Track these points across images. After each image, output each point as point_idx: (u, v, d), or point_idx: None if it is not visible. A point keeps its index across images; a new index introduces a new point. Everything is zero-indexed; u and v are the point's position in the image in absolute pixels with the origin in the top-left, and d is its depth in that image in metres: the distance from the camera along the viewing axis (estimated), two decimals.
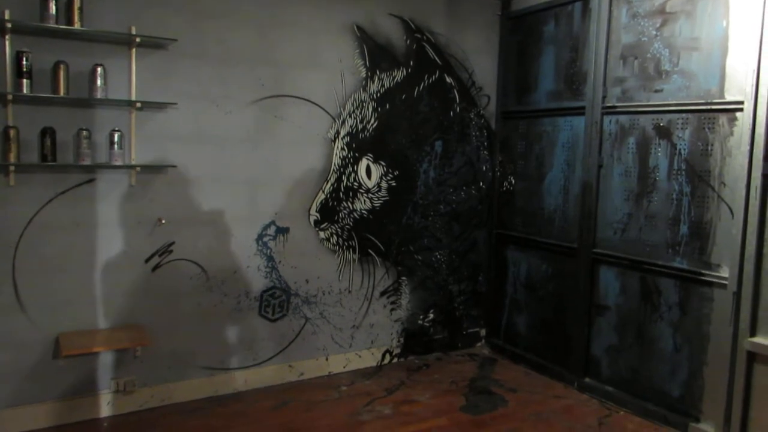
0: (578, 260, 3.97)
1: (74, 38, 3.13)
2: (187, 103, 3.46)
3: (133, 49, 3.27)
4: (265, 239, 3.82)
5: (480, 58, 4.57)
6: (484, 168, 4.68)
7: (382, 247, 4.27)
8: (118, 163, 3.25)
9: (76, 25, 3.04)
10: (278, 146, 3.79)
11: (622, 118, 3.70)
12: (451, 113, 4.47)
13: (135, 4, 3.27)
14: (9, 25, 2.90)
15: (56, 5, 2.99)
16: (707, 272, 3.26)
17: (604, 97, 3.78)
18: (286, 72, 3.77)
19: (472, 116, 4.57)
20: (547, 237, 4.26)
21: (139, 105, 3.28)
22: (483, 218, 4.72)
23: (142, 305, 3.46)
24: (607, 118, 3.78)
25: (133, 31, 3.20)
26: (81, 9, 3.05)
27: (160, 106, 3.38)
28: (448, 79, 4.42)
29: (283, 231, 3.87)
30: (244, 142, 3.68)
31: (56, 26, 3.00)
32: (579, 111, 3.96)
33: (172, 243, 3.52)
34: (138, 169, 3.33)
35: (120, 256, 3.37)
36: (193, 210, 3.57)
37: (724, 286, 3.16)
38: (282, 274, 3.90)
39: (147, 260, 3.45)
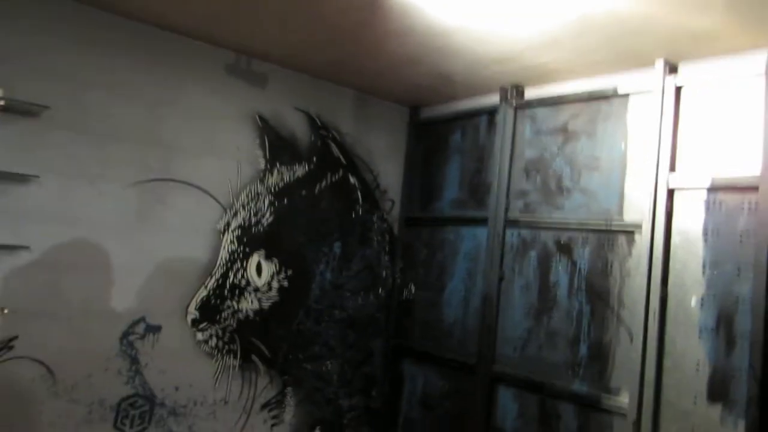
0: (476, 378, 3.73)
1: None
2: (54, 178, 3.06)
3: None
4: (131, 338, 3.33)
5: (386, 162, 4.47)
6: (384, 274, 4.46)
7: (267, 354, 3.86)
8: None
9: None
10: (158, 234, 3.41)
11: (524, 231, 3.63)
12: (353, 214, 4.28)
13: (4, 66, 2.93)
14: None
15: None
16: (607, 397, 3.09)
17: (506, 209, 3.72)
18: (175, 154, 3.47)
19: (374, 219, 4.40)
20: (446, 351, 4.01)
21: None
22: (380, 327, 4.43)
23: None
24: (509, 231, 3.71)
25: None
26: None
27: (18, 178, 2.95)
28: (352, 180, 4.27)
29: (154, 329, 3.41)
30: (119, 226, 3.28)
31: None
32: (482, 221, 3.87)
33: (15, 337, 2.97)
34: None
35: None
36: (47, 300, 3.06)
37: (623, 415, 3.00)
38: (147, 379, 3.39)
39: None
